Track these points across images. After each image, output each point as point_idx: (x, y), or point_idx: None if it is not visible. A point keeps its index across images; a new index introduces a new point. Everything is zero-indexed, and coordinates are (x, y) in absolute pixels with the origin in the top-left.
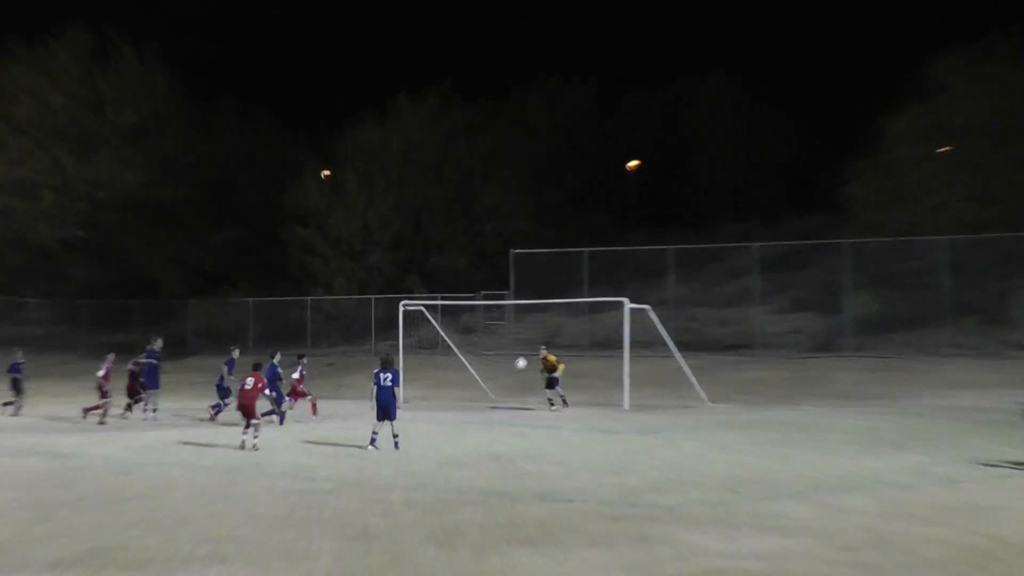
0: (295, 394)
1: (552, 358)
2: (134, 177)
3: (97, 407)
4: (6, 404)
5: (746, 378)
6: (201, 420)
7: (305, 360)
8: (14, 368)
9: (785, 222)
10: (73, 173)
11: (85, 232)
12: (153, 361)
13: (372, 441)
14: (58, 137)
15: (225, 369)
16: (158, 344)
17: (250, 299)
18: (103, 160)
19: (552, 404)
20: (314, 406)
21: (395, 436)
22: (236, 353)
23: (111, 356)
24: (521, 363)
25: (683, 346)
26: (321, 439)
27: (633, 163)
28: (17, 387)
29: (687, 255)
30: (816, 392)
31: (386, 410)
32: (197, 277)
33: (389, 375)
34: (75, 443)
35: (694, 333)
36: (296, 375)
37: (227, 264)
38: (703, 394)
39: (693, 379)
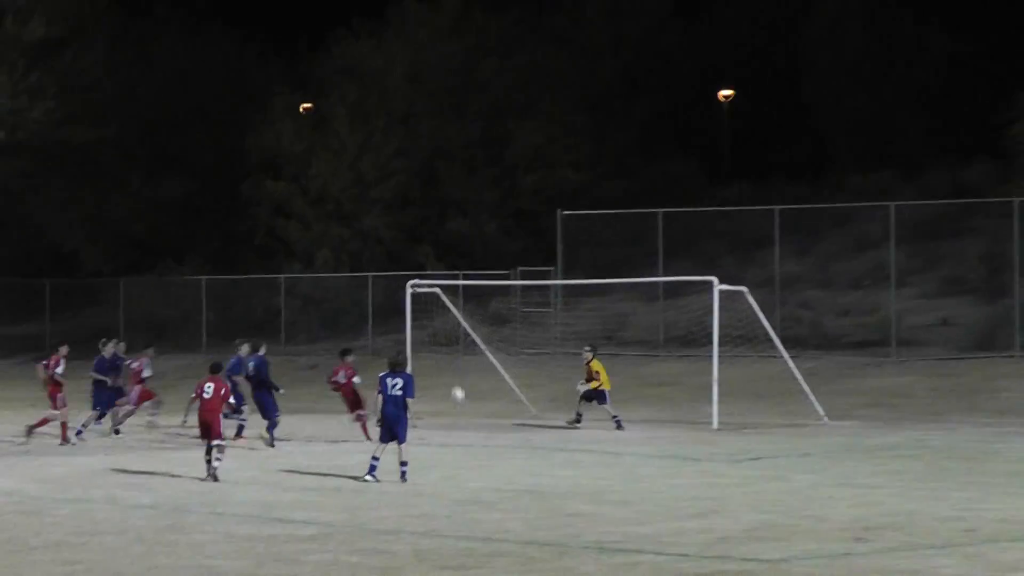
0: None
1: (596, 365)
2: (42, 112)
3: (45, 421)
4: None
5: (878, 387)
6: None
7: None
8: None
9: (933, 174)
10: None
11: None
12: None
13: (371, 470)
14: None
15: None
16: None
17: (202, 278)
18: (1, 89)
19: (577, 421)
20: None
21: (402, 464)
22: (245, 349)
23: (64, 349)
24: (459, 394)
25: (792, 343)
26: (299, 468)
27: (726, 93)
28: None
29: (798, 218)
30: (974, 406)
31: (392, 429)
32: (129, 248)
33: (399, 381)
34: None
35: (808, 325)
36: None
37: (169, 231)
38: (819, 408)
39: (806, 388)
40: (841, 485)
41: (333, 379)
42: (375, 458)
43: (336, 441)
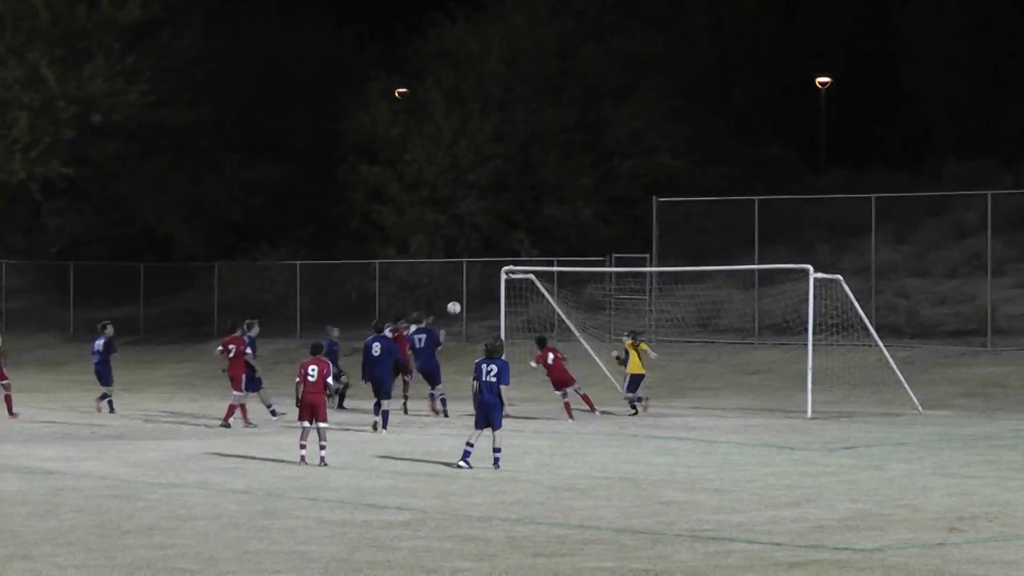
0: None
1: (644, 345)
2: (137, 94)
3: (233, 409)
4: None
5: (974, 377)
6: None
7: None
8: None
9: None
10: (56, 89)
11: (72, 170)
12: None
13: (464, 456)
14: (36, 39)
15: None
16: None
17: (296, 262)
18: (97, 71)
19: (634, 409)
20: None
21: (496, 451)
22: (256, 330)
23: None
24: (455, 308)
25: (888, 331)
26: (392, 453)
27: (823, 79)
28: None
29: (895, 206)
30: None
31: (487, 415)
32: (224, 232)
33: (494, 368)
34: (61, 456)
35: (904, 314)
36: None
37: (264, 215)
38: (915, 398)
39: (901, 377)
40: (936, 475)
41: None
42: (469, 444)
43: (427, 425)
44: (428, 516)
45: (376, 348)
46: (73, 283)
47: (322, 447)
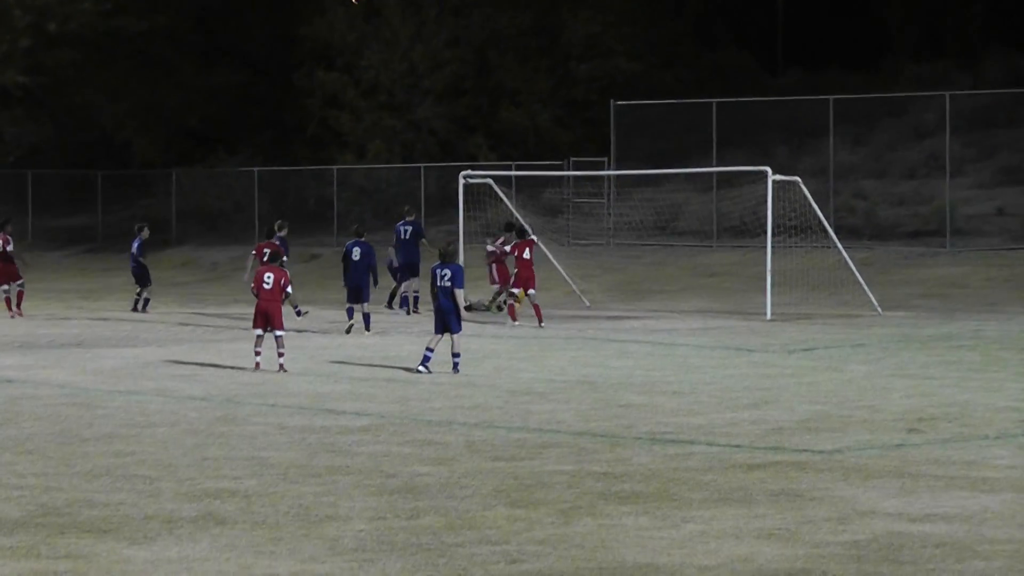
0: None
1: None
2: (93, 2)
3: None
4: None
5: (933, 277)
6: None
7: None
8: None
9: (992, 62)
10: None
11: (28, 78)
12: None
13: (424, 361)
14: None
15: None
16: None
17: (255, 168)
18: None
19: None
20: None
21: (455, 356)
22: (285, 231)
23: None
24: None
25: (846, 233)
26: (351, 359)
27: None
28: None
29: (853, 108)
30: None
31: (444, 320)
32: (182, 139)
33: (448, 272)
34: (20, 364)
35: (862, 216)
36: None
37: (222, 121)
38: (873, 299)
39: (860, 278)
40: (895, 376)
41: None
42: (429, 349)
43: (387, 332)
44: (387, 421)
45: (356, 253)
46: (31, 191)
47: (280, 355)
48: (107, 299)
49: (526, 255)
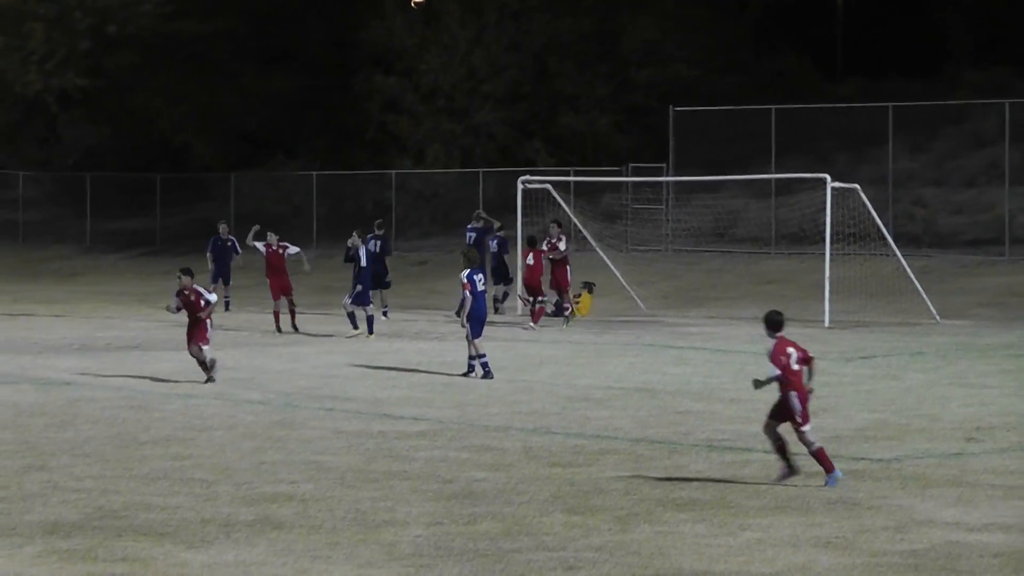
0: None
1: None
2: (154, 5)
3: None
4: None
5: (992, 286)
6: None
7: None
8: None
9: None
10: (72, 0)
11: (87, 80)
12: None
13: (473, 369)
14: None
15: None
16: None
17: (313, 173)
18: None
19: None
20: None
21: (480, 357)
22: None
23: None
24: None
25: (905, 241)
26: (408, 364)
27: None
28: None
29: (912, 115)
30: None
31: (483, 324)
32: (240, 143)
33: (482, 277)
34: (78, 368)
35: (921, 224)
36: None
37: (281, 125)
38: (932, 308)
39: (919, 286)
40: (954, 385)
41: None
42: (479, 357)
43: (445, 336)
44: (444, 426)
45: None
46: (89, 194)
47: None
48: (165, 302)
49: (529, 260)
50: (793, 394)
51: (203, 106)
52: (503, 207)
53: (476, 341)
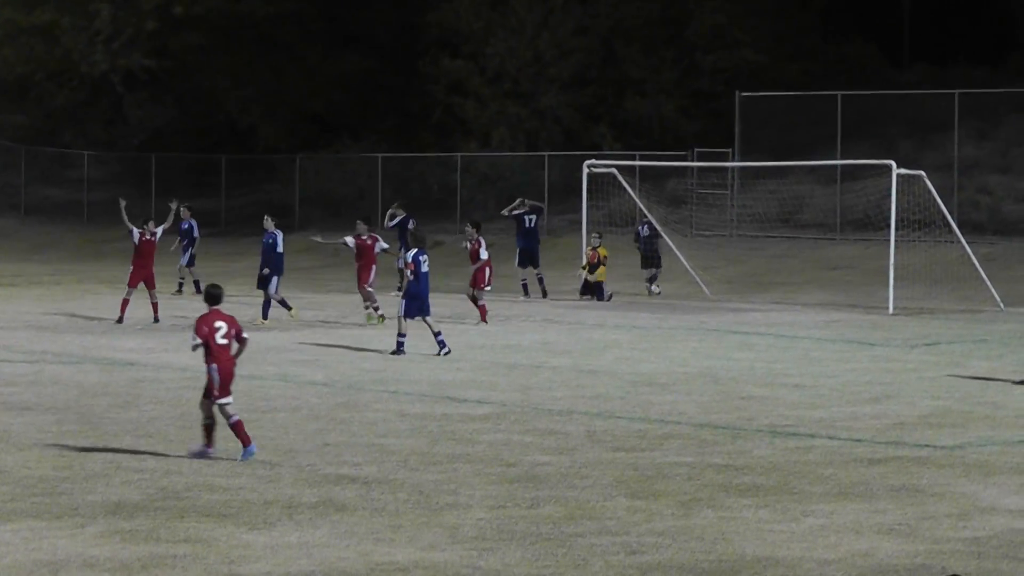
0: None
1: (604, 252)
2: None
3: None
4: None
5: None
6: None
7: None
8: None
9: None
10: None
11: (154, 62)
12: None
13: (402, 348)
14: None
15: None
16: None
17: (378, 155)
18: None
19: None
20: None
21: (439, 334)
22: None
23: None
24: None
25: (970, 228)
26: (472, 346)
27: None
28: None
29: (978, 102)
30: None
31: (424, 303)
32: (306, 124)
33: (426, 258)
34: (142, 347)
35: (986, 211)
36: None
37: (346, 107)
38: (996, 295)
39: (983, 274)
40: (1018, 372)
41: None
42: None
43: (509, 320)
44: (508, 409)
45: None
46: (155, 175)
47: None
48: (230, 283)
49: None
50: (214, 367)
51: (269, 87)
52: (568, 191)
53: (407, 320)
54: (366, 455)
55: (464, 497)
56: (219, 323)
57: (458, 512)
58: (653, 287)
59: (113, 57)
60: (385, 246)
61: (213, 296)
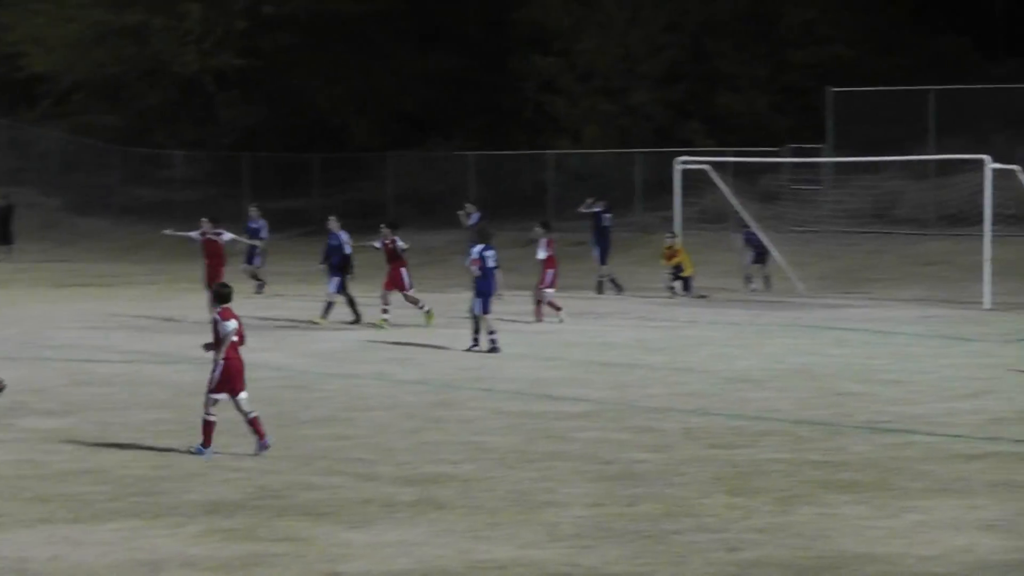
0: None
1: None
2: None
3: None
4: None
5: None
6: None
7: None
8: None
9: None
10: None
11: (245, 61)
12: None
13: (478, 343)
14: None
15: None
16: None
17: (469, 153)
18: None
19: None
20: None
21: (490, 334)
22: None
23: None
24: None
25: None
26: (569, 343)
27: None
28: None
29: None
30: None
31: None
32: (396, 123)
33: (493, 253)
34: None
35: None
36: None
37: (437, 106)
38: None
39: None
40: None
41: None
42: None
43: (604, 315)
44: (604, 407)
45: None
46: (246, 174)
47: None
48: (322, 282)
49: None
50: (221, 362)
51: (359, 86)
52: (660, 188)
53: (486, 316)
54: (463, 453)
55: (562, 495)
56: (235, 321)
57: (556, 510)
58: (756, 284)
59: (204, 57)
60: (404, 246)
61: (223, 295)
